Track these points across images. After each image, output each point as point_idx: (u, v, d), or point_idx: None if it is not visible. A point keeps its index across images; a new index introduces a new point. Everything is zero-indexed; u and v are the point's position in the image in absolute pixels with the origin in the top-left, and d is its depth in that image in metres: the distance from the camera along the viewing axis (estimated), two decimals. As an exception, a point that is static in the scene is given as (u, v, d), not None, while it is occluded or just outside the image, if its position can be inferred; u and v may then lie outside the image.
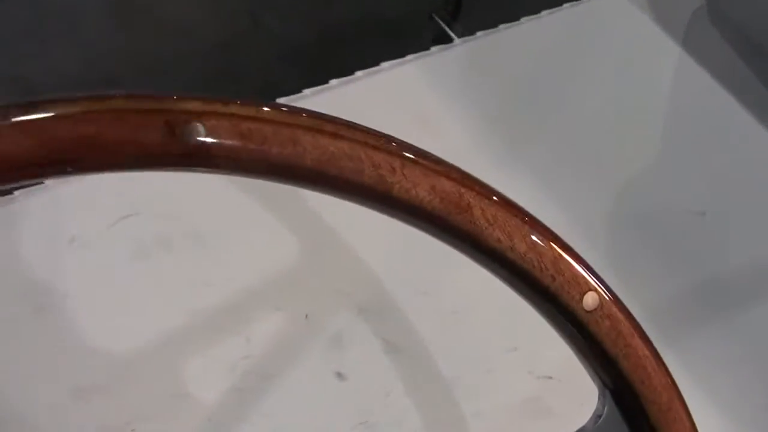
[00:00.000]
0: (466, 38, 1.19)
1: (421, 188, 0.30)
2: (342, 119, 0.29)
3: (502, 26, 1.21)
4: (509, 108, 1.13)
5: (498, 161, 1.06)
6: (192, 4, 1.27)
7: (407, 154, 0.30)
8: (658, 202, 1.07)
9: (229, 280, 0.91)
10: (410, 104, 1.10)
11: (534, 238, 0.32)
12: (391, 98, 1.10)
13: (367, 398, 0.86)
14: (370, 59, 1.13)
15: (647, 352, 0.34)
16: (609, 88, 1.16)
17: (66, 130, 0.25)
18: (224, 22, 1.27)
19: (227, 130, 0.27)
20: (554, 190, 1.05)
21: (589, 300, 0.33)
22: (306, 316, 0.90)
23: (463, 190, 0.31)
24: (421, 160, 0.30)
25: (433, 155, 0.31)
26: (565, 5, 1.26)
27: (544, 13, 1.24)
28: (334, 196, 0.30)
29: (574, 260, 0.32)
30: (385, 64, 1.13)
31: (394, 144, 0.30)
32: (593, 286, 0.33)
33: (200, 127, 0.26)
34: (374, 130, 0.30)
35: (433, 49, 1.17)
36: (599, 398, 0.35)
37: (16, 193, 0.93)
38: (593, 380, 0.35)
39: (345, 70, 1.11)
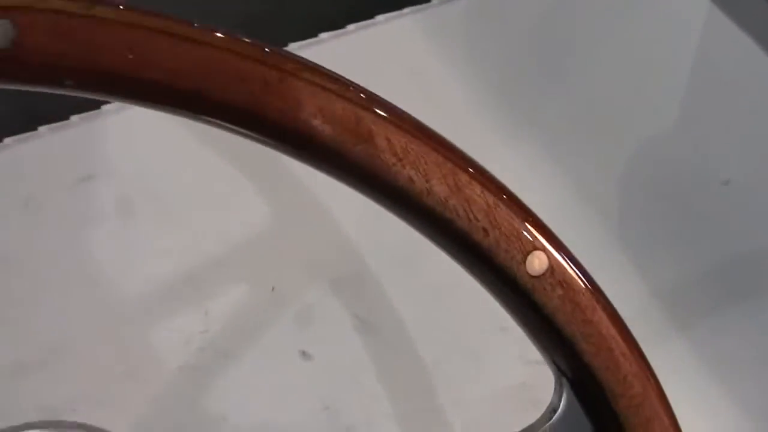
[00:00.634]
0: (471, -10, 1.16)
1: (305, 110, 0.24)
2: (202, 24, 0.24)
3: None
4: (515, 67, 1.09)
5: (498, 125, 1.01)
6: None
7: (288, 67, 0.24)
8: (677, 168, 1.01)
9: (191, 246, 0.88)
10: (405, 61, 1.07)
11: (459, 178, 0.25)
12: (385, 54, 1.07)
13: (334, 381, 0.82)
14: (363, 11, 1.09)
15: (613, 331, 0.27)
16: (626, 44, 1.11)
17: None
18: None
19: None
20: (560, 157, 1.00)
21: (536, 262, 0.26)
22: (272, 288, 0.87)
23: (362, 113, 0.24)
24: (306, 75, 0.24)
25: (327, 70, 0.25)
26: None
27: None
28: (192, 119, 0.24)
29: (516, 209, 0.26)
30: (379, 17, 1.10)
31: (274, 54, 0.24)
32: (541, 244, 0.26)
33: (7, 24, 0.22)
34: (247, 39, 0.24)
35: (434, 1, 1.13)
36: (555, 388, 0.29)
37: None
38: (548, 365, 0.29)
39: (336, 22, 1.08)
